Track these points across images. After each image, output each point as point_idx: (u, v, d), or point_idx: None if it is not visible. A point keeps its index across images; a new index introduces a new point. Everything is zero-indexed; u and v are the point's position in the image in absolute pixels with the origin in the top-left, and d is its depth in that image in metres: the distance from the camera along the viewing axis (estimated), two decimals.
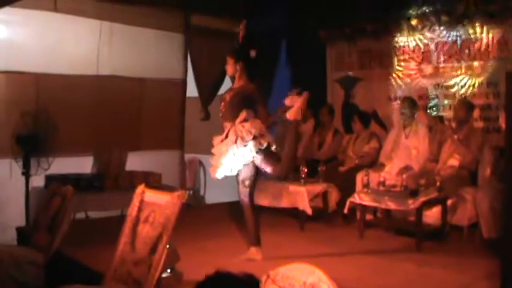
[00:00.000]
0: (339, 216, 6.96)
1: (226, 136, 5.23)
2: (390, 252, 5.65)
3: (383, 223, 6.58)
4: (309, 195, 6.64)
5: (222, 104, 5.43)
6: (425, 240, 5.75)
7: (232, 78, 5.56)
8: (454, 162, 6.51)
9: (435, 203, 5.95)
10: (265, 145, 5.14)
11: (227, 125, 5.28)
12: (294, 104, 5.10)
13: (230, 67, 5.44)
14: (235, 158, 5.14)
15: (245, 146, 5.10)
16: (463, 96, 7.18)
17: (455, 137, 6.59)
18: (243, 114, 5.19)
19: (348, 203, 6.46)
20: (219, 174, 5.26)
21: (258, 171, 5.30)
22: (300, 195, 6.65)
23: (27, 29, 6.96)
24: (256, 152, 5.12)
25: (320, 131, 8.32)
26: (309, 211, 6.59)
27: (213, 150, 5.33)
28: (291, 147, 5.21)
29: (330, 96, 9.01)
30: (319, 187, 6.84)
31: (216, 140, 5.35)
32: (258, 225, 5.34)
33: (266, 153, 5.17)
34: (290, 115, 5.12)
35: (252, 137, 5.10)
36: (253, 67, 5.40)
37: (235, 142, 5.13)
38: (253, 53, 5.44)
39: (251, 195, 5.32)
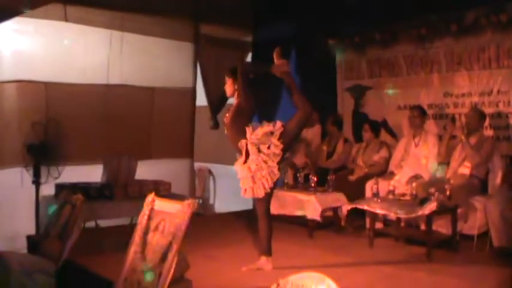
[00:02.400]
0: (348, 225, 6.95)
1: (247, 155, 5.14)
2: (400, 261, 5.62)
3: (393, 232, 6.56)
4: (318, 204, 6.60)
5: (225, 127, 5.36)
6: (436, 249, 5.71)
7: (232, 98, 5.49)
8: (464, 170, 6.48)
9: (445, 212, 5.92)
10: (281, 126, 5.14)
11: (241, 144, 5.17)
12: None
13: (229, 87, 5.38)
14: (268, 165, 5.07)
15: (269, 147, 5.08)
16: (474, 104, 7.15)
17: (463, 137, 6.52)
18: (249, 129, 5.14)
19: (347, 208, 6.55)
20: (259, 193, 5.13)
21: (274, 183, 5.22)
22: (310, 204, 6.63)
23: (38, 39, 7.02)
24: (278, 139, 5.08)
25: (329, 139, 8.31)
26: (318, 218, 6.57)
27: (240, 175, 5.20)
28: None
29: (340, 105, 9.00)
30: (328, 196, 6.81)
31: (238, 163, 5.23)
32: (270, 236, 5.30)
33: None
34: (275, 71, 5.31)
35: (270, 135, 5.08)
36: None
37: (259, 152, 5.08)
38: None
39: (267, 206, 5.28)
